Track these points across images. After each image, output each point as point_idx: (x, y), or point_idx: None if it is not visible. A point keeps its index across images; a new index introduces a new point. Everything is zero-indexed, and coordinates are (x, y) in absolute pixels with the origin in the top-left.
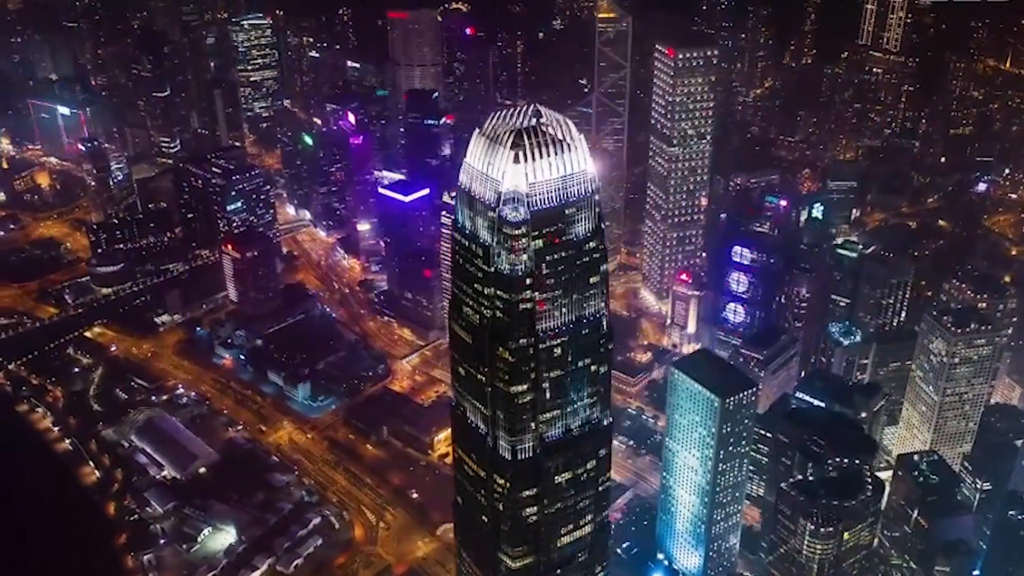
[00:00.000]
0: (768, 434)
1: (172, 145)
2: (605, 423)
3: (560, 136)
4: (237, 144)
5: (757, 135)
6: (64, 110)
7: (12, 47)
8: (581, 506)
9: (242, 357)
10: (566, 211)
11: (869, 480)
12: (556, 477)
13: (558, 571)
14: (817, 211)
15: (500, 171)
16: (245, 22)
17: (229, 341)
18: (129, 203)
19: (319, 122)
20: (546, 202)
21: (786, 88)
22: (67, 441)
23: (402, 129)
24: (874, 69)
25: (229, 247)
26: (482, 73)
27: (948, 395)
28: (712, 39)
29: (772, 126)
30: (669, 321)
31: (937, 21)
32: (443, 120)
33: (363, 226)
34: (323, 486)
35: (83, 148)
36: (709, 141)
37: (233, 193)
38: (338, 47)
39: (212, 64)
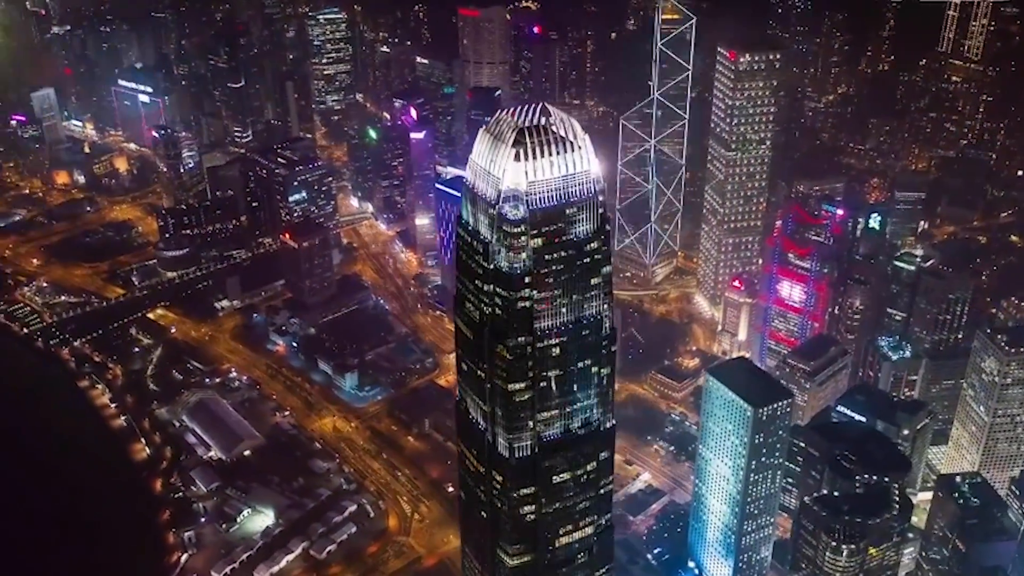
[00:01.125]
0: (803, 446)
1: (244, 135)
2: (608, 425)
3: (564, 136)
4: (308, 136)
5: (827, 142)
6: (144, 98)
7: (102, 36)
8: (581, 507)
9: (294, 345)
10: (567, 211)
11: (897, 498)
12: (555, 477)
13: (558, 571)
14: (874, 221)
15: (501, 168)
16: (321, 16)
17: (283, 328)
18: (199, 190)
19: (386, 116)
20: (546, 201)
21: (860, 95)
22: (122, 418)
23: (465, 125)
24: (952, 77)
25: (287, 236)
26: (548, 72)
27: (999, 416)
28: (776, 43)
29: (843, 133)
30: (720, 327)
31: (1022, 29)
32: None
33: (421, 220)
34: (362, 475)
35: (156, 135)
36: (769, 147)
37: (295, 184)
38: (409, 43)
39: (291, 57)
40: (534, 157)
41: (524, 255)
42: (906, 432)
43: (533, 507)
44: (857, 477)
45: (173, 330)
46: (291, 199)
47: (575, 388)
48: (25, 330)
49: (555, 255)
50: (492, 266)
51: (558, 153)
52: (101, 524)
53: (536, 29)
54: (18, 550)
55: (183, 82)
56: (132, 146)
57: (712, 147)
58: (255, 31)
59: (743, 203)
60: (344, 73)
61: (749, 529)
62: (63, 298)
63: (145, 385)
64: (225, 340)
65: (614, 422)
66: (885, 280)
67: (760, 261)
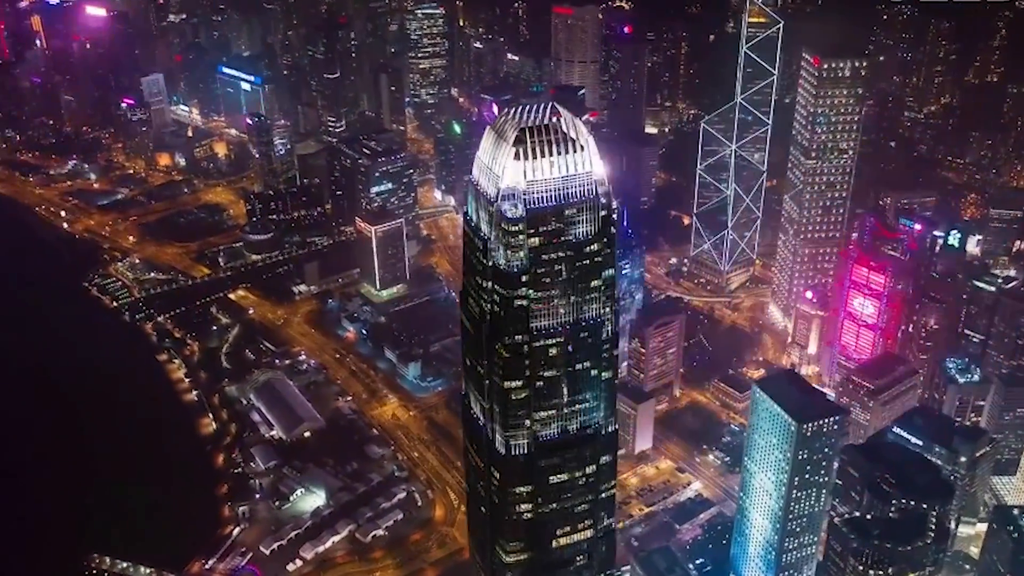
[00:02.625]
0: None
1: (338, 125)
2: (609, 430)
3: (567, 137)
4: (397, 128)
5: (924, 154)
6: (246, 86)
7: (213, 24)
8: (581, 510)
9: (364, 332)
10: (565, 211)
11: (934, 526)
12: (552, 477)
13: (556, 572)
14: (953, 238)
15: (501, 166)
16: (419, 11)
17: (355, 315)
18: (288, 176)
19: (475, 112)
20: (544, 200)
21: (963, 106)
22: (194, 393)
23: None
24: None
25: (361, 223)
26: (636, 72)
27: None
28: (865, 50)
29: (941, 145)
30: (790, 339)
31: None
32: (585, 116)
33: None
34: (415, 463)
35: (250, 121)
36: (852, 156)
37: (377, 174)
38: (502, 39)
39: (392, 51)
40: (534, 156)
41: (521, 253)
42: (963, 459)
43: (530, 506)
44: (894, 501)
45: (251, 311)
46: (373, 189)
47: (573, 390)
48: (115, 303)
49: (553, 255)
50: (491, 263)
51: (559, 153)
52: (161, 493)
53: (627, 29)
54: (68, 510)
55: (285, 72)
56: (232, 132)
57: (792, 154)
58: (358, 24)
59: (821, 213)
60: (439, 68)
61: (790, 547)
62: (152, 275)
63: (219, 362)
64: (299, 323)
65: (616, 427)
66: (963, 300)
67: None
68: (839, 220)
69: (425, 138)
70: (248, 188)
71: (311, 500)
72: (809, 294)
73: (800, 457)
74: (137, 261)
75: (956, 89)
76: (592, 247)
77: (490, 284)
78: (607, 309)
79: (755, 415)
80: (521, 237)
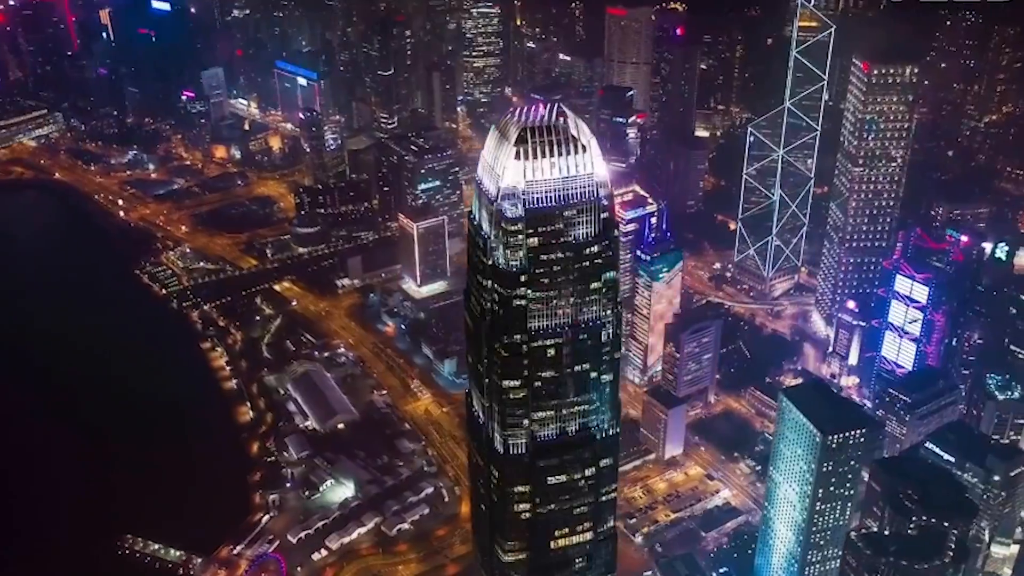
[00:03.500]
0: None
1: (390, 122)
2: (611, 433)
3: (569, 138)
4: (453, 126)
5: (982, 164)
6: (303, 81)
7: (274, 20)
8: (579, 512)
9: (403, 327)
10: (565, 212)
11: (953, 544)
12: (549, 478)
13: (554, 573)
14: (1001, 251)
15: (502, 166)
16: (474, 10)
17: (395, 310)
18: (339, 171)
19: None
20: (543, 201)
21: None
22: (234, 381)
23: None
24: None
25: (405, 220)
26: (688, 75)
27: None
28: (917, 55)
29: (1001, 156)
30: (831, 349)
31: None
32: (632, 118)
33: None
34: (444, 459)
35: (302, 116)
36: (901, 164)
37: (423, 171)
38: (555, 39)
39: (449, 48)
40: (535, 157)
41: (520, 253)
42: (996, 478)
43: (528, 506)
44: (914, 517)
45: (294, 303)
46: (419, 187)
47: (571, 391)
48: (164, 291)
49: (552, 256)
50: (491, 262)
51: (560, 154)
52: (196, 478)
53: (679, 31)
54: (103, 490)
55: (341, 68)
56: (288, 126)
57: (840, 161)
58: (416, 22)
59: (867, 221)
60: (493, 67)
61: (813, 559)
62: (201, 264)
63: (260, 352)
64: (340, 316)
65: (618, 430)
66: (1010, 315)
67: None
68: (886, 229)
69: (477, 136)
70: (299, 182)
71: (340, 491)
72: (851, 304)
73: (824, 469)
74: (188, 250)
75: (1019, 98)
76: (592, 249)
77: (490, 283)
78: (608, 312)
79: (781, 424)
80: (520, 237)
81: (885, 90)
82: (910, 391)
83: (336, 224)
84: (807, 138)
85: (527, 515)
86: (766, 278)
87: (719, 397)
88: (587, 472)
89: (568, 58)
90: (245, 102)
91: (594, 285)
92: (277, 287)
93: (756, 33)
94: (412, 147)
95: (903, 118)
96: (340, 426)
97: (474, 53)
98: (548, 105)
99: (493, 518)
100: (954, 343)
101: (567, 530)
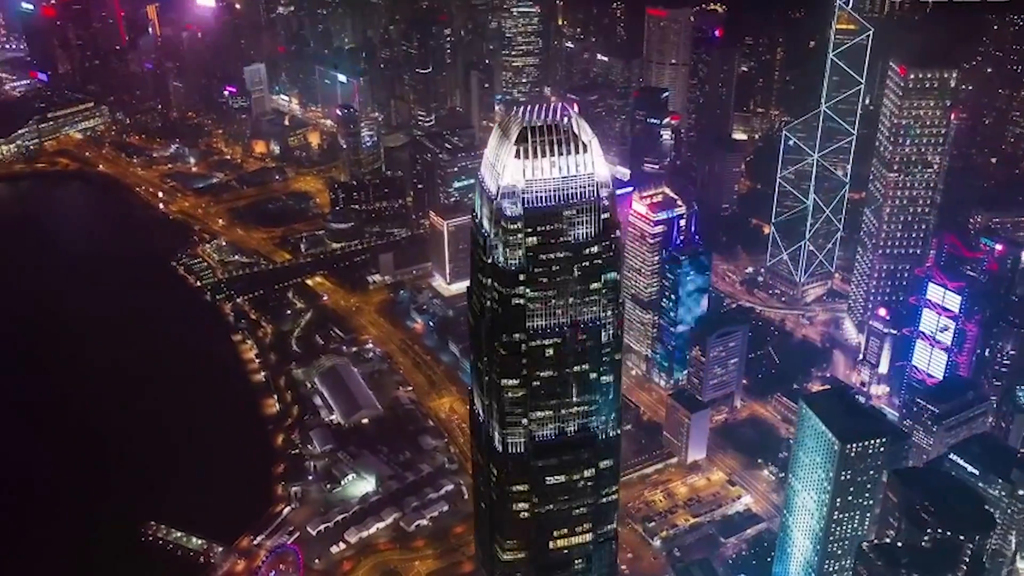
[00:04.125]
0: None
1: (427, 119)
2: (611, 434)
3: (571, 137)
4: (490, 125)
5: None
6: (342, 78)
7: (318, 17)
8: (577, 513)
9: (431, 324)
10: (565, 212)
11: (968, 559)
12: (548, 478)
13: (553, 573)
14: None
15: (502, 164)
16: (515, 9)
17: (424, 307)
18: (375, 168)
19: None
20: (542, 200)
21: None
22: (263, 373)
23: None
24: None
25: (435, 218)
26: (725, 77)
27: None
28: (955, 59)
29: None
30: (861, 357)
31: None
32: (666, 119)
33: None
34: (466, 457)
35: (339, 112)
36: (937, 171)
37: (455, 169)
38: (594, 39)
39: (490, 47)
40: (535, 156)
41: (519, 252)
42: (1021, 492)
43: (527, 505)
44: (929, 530)
45: (325, 298)
46: (452, 185)
47: (570, 392)
48: (199, 283)
49: (551, 255)
50: (490, 260)
51: (561, 154)
52: (221, 467)
53: (717, 32)
54: (130, 477)
55: (382, 66)
56: (327, 122)
57: (875, 166)
58: (458, 20)
59: (902, 228)
60: (532, 66)
61: (831, 569)
62: (236, 257)
63: (289, 345)
64: (370, 312)
65: (619, 432)
66: None
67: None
68: (920, 236)
69: None
70: (335, 178)
71: (361, 486)
72: (882, 311)
73: (843, 478)
74: (224, 243)
75: None
76: (592, 249)
77: (490, 281)
78: (608, 312)
79: (801, 431)
80: (519, 235)
81: (922, 94)
82: (938, 401)
83: (370, 220)
84: (843, 142)
85: (526, 514)
86: (798, 283)
87: (745, 402)
88: (586, 473)
89: (606, 59)
90: (286, 98)
91: (594, 285)
92: (309, 282)
93: (798, 35)
94: (446, 145)
95: (939, 123)
96: (364, 421)
97: (513, 52)
98: (551, 104)
99: (492, 516)
100: (986, 354)
101: (566, 531)
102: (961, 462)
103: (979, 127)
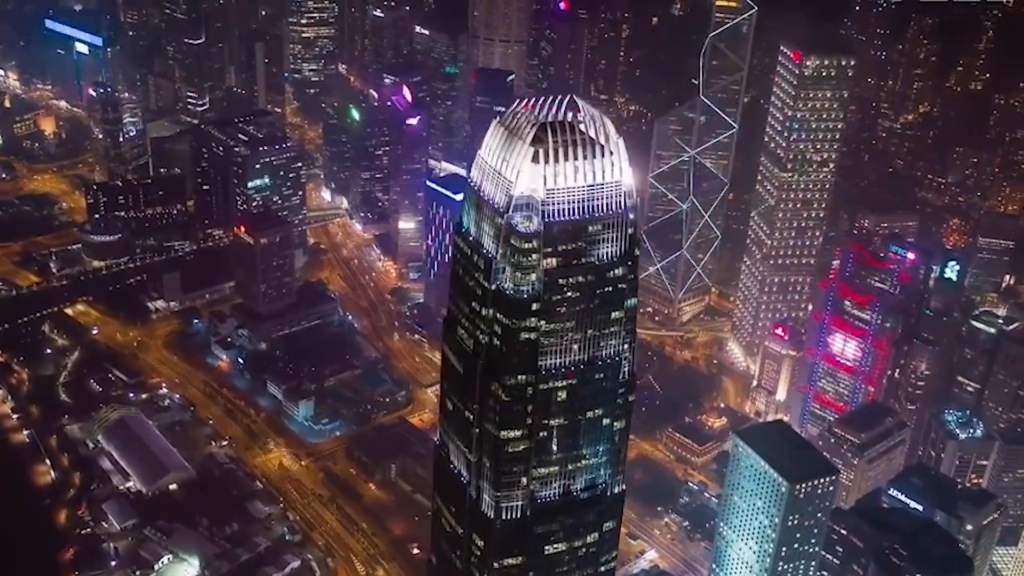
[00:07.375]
0: (845, 534)
1: (200, 102)
2: (616, 490)
3: (594, 138)
4: (278, 110)
5: (900, 170)
6: (82, 47)
7: None
8: None
9: (240, 361)
10: (589, 227)
11: None
12: (547, 547)
13: None
14: (951, 271)
15: (515, 170)
16: None
17: (228, 340)
18: (140, 164)
19: (373, 95)
20: (565, 213)
21: (945, 117)
22: (25, 432)
23: (468, 114)
24: None
25: (242, 228)
26: (573, 58)
27: None
28: (851, 47)
29: (921, 161)
30: (756, 383)
31: None
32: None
33: (406, 224)
34: (310, 525)
35: (94, 93)
36: (832, 170)
37: (257, 167)
38: (408, 8)
39: (263, 13)
40: (556, 160)
41: (534, 276)
42: (969, 527)
43: None
44: (906, 575)
45: (95, 331)
46: (250, 185)
47: (581, 442)
48: None
49: (571, 280)
50: (494, 286)
51: (585, 158)
52: None
53: (563, 5)
54: None
55: (131, 33)
56: (63, 104)
57: (764, 165)
58: None
59: (795, 235)
60: (326, 38)
61: None
62: None
63: (56, 395)
64: (157, 348)
65: (624, 487)
66: (958, 343)
67: (810, 307)
68: (813, 244)
69: (308, 124)
70: (87, 176)
71: (181, 569)
72: (780, 330)
73: (790, 523)
74: None
75: (937, 97)
76: (616, 271)
77: (491, 312)
78: (626, 346)
79: (735, 473)
80: (535, 256)
81: (819, 84)
82: (858, 430)
83: (141, 231)
84: (724, 137)
85: None
86: (674, 300)
87: (633, 440)
88: (589, 538)
89: (426, 32)
90: (1, 72)
91: (615, 315)
92: (70, 311)
93: (641, 11)
94: (241, 136)
95: (836, 117)
96: (173, 487)
97: (303, 20)
98: (557, 96)
99: None
100: (897, 374)
101: None
102: (902, 497)
103: (865, 121)
